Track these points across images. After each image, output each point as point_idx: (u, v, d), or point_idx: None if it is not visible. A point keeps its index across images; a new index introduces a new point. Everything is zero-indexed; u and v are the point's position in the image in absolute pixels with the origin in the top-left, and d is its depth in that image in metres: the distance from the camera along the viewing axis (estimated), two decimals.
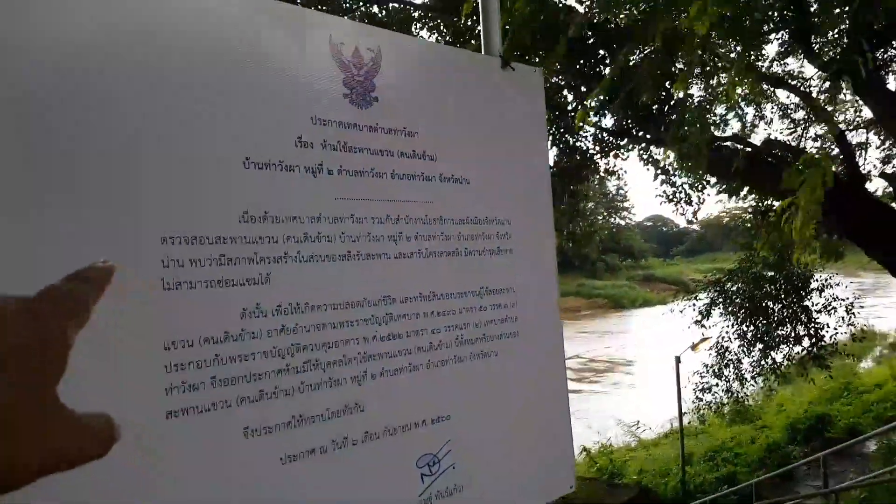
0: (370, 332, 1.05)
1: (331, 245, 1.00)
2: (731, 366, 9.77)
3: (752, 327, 9.59)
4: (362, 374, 1.03)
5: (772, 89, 8.42)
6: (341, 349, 1.01)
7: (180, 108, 0.86)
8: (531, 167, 1.34)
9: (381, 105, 1.08)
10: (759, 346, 9.42)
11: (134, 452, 0.78)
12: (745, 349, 9.63)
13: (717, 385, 10.07)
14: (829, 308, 9.42)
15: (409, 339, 1.10)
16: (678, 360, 8.66)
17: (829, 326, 9.24)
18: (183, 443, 0.84)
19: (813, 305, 9.31)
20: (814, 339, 9.07)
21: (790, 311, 9.20)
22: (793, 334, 9.12)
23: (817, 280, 9.56)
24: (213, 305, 0.88)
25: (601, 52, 7.02)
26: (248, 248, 0.91)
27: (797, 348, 9.34)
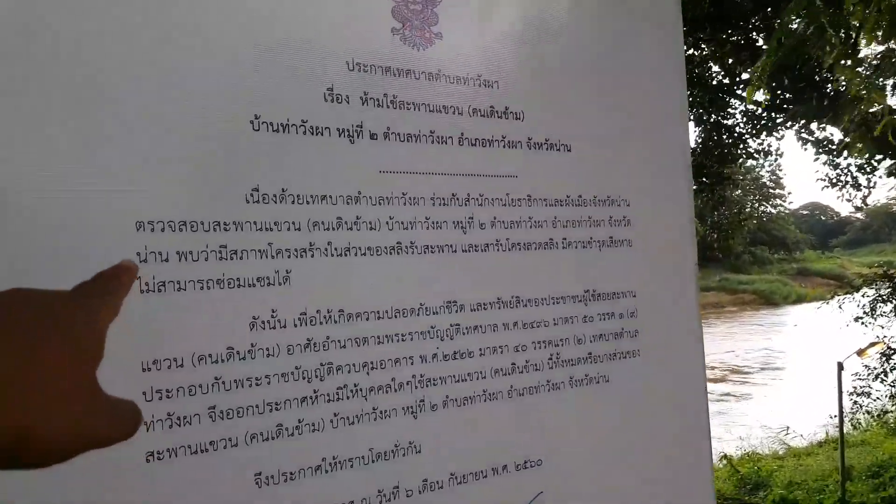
0: (429, 349, 0.79)
1: (374, 234, 0.75)
2: None
3: None
4: (419, 404, 0.78)
5: None
6: (389, 371, 0.76)
7: (160, 41, 0.65)
8: (661, 128, 1.00)
9: (446, 44, 0.81)
10: None
11: None
12: None
13: (878, 391, 8.79)
14: None
15: (483, 358, 0.83)
16: (840, 366, 7.55)
17: None
18: (170, 494, 0.64)
19: None
20: None
21: None
22: None
23: None
24: (212, 314, 0.66)
25: (753, 19, 6.18)
26: (260, 238, 0.69)
27: None
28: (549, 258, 0.88)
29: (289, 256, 0.70)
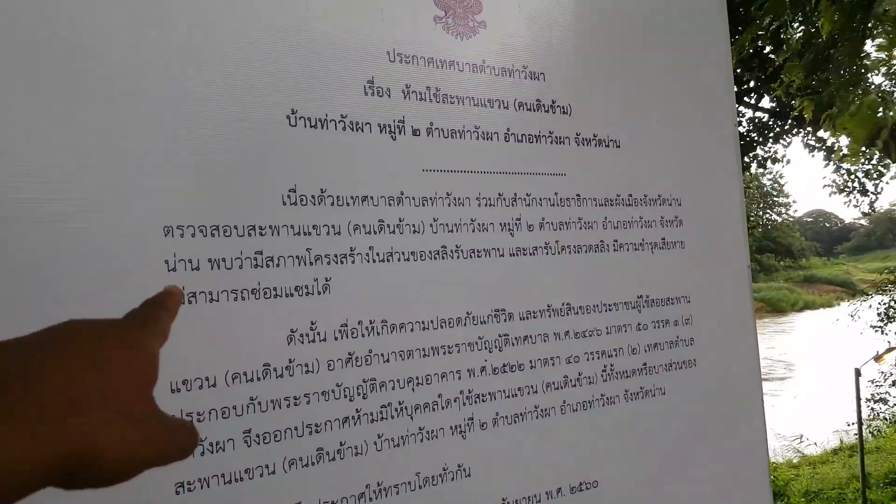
0: (477, 362, 0.73)
1: (418, 238, 0.69)
2: None
3: None
4: (467, 423, 0.72)
5: None
6: (436, 387, 0.70)
7: (189, 37, 0.59)
8: (711, 124, 0.94)
9: (490, 33, 0.76)
10: None
11: None
12: None
13: (894, 397, 8.66)
14: None
15: (533, 371, 0.76)
16: (858, 372, 7.44)
17: None
18: None
19: None
20: None
21: None
22: None
23: None
24: (246, 326, 0.60)
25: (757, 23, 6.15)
26: (298, 243, 0.63)
27: None
28: (601, 262, 0.82)
29: (328, 263, 0.64)
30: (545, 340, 0.78)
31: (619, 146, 0.85)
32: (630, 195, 0.85)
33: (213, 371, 0.58)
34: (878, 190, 8.23)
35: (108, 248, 0.55)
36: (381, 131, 0.67)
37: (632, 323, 0.84)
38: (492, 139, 0.75)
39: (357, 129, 0.66)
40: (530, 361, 0.77)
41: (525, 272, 0.77)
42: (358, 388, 0.66)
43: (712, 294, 0.91)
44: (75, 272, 0.54)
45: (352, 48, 0.67)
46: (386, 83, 0.68)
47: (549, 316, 0.78)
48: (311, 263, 0.63)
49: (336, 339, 0.64)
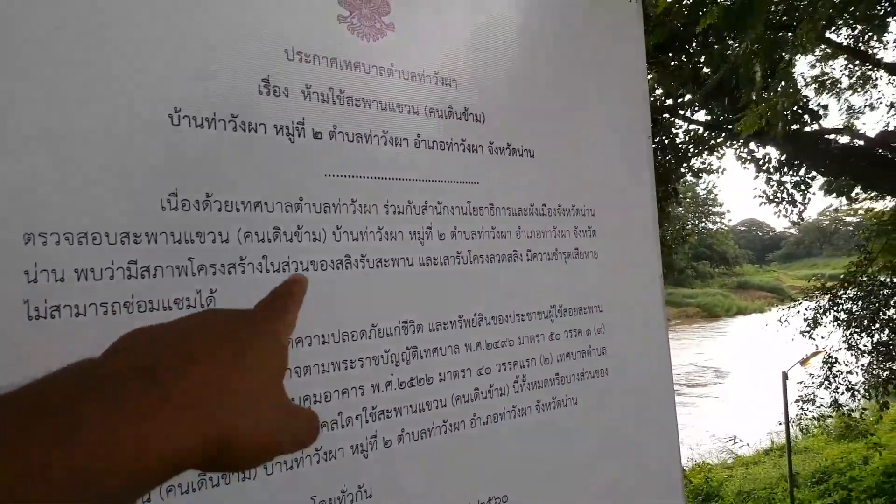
0: (382, 377, 0.70)
1: (318, 246, 0.66)
2: (840, 377, 8.81)
3: (866, 337, 8.60)
4: (369, 441, 0.68)
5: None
6: (335, 404, 0.66)
7: (60, 25, 0.54)
8: (626, 135, 0.94)
9: (400, 36, 0.73)
10: (875, 356, 8.42)
11: None
12: (857, 359, 8.65)
13: (821, 399, 9.13)
14: None
15: (443, 384, 0.74)
16: (785, 375, 7.79)
17: None
18: None
19: None
20: None
21: None
22: None
23: None
24: None
25: (693, 44, 6.39)
26: (178, 251, 0.58)
27: None
28: (514, 271, 0.80)
29: (214, 273, 0.60)
30: (456, 352, 0.76)
31: (533, 156, 0.84)
32: (544, 205, 0.84)
33: None
34: (806, 200, 8.64)
35: None
36: (277, 133, 0.64)
37: (545, 333, 0.83)
38: (401, 145, 0.73)
39: (250, 130, 0.62)
40: (440, 374, 0.74)
41: (436, 282, 0.75)
42: None
43: (625, 303, 0.91)
44: None
45: (246, 44, 0.63)
46: (283, 82, 0.64)
47: (461, 327, 0.76)
48: (193, 274, 0.58)
49: None
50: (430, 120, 0.75)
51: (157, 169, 0.57)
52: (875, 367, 8.50)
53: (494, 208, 0.80)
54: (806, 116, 7.04)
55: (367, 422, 0.68)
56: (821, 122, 7.10)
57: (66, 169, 0.54)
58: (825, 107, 7.39)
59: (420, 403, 0.73)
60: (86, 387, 0.24)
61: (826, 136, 6.83)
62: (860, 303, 8.75)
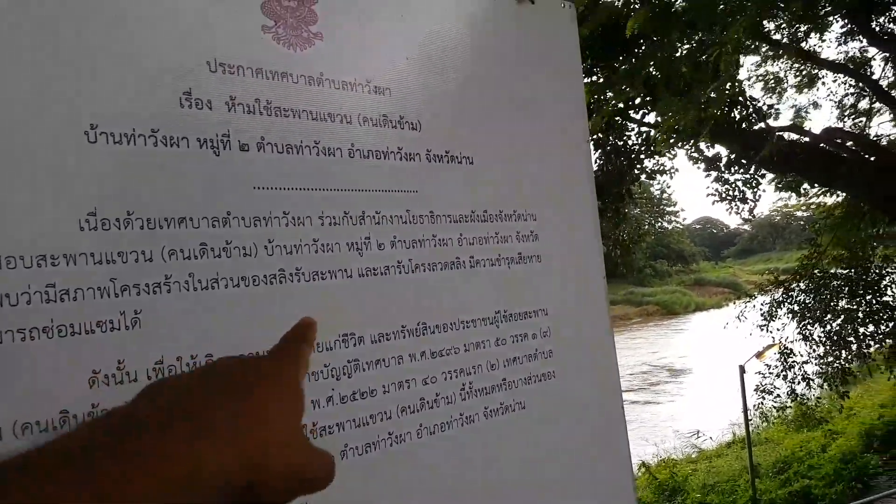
0: (323, 392, 0.68)
1: (249, 261, 0.64)
2: (796, 367, 9.13)
3: (820, 328, 8.93)
4: None
5: (831, 74, 7.77)
6: None
7: None
8: (564, 139, 0.96)
9: (328, 45, 0.72)
10: (829, 346, 8.75)
11: None
12: (811, 350, 8.98)
13: (779, 389, 9.43)
14: None
15: (387, 395, 0.73)
16: (742, 369, 8.00)
17: None
18: None
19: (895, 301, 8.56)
20: None
21: (869, 308, 8.48)
22: (878, 332, 8.41)
23: None
24: (38, 369, 0.53)
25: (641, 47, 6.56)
26: (99, 272, 0.56)
27: (874, 347, 8.62)
28: (457, 279, 0.80)
29: (138, 294, 0.57)
30: (399, 363, 0.75)
31: (472, 162, 0.84)
32: (485, 211, 0.84)
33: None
34: (757, 197, 8.92)
35: None
36: (201, 146, 0.62)
37: (490, 338, 0.83)
38: (334, 154, 0.72)
39: (171, 145, 0.60)
40: (383, 386, 0.73)
41: (376, 293, 0.74)
42: None
43: (570, 305, 0.92)
44: None
45: (166, 57, 0.61)
46: (206, 95, 0.63)
47: (404, 337, 0.76)
48: (116, 295, 0.56)
49: (149, 378, 0.58)
50: (364, 129, 0.75)
51: (73, 188, 0.55)
52: (829, 355, 8.84)
53: (435, 216, 0.79)
54: (754, 116, 7.29)
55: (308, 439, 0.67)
56: (767, 121, 7.37)
57: None
58: (771, 106, 7.66)
59: (364, 417, 0.71)
60: (112, 434, 0.24)
61: (776, 134, 7.08)
62: (812, 295, 9.10)
